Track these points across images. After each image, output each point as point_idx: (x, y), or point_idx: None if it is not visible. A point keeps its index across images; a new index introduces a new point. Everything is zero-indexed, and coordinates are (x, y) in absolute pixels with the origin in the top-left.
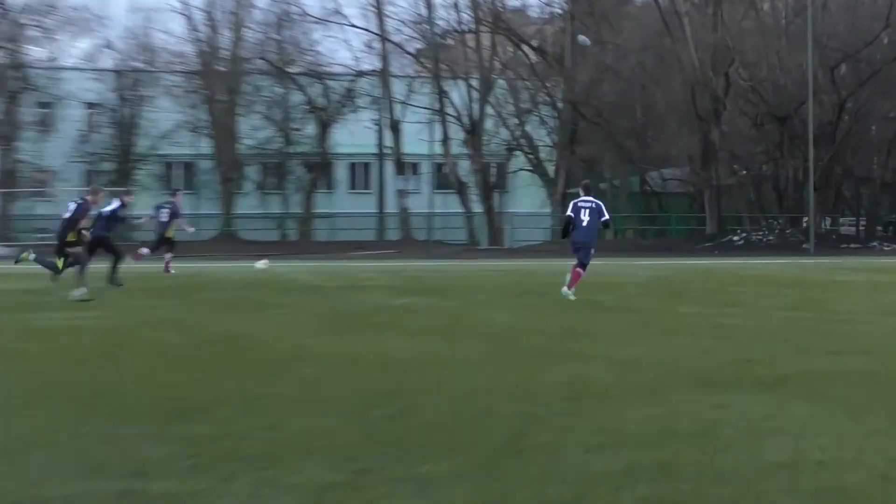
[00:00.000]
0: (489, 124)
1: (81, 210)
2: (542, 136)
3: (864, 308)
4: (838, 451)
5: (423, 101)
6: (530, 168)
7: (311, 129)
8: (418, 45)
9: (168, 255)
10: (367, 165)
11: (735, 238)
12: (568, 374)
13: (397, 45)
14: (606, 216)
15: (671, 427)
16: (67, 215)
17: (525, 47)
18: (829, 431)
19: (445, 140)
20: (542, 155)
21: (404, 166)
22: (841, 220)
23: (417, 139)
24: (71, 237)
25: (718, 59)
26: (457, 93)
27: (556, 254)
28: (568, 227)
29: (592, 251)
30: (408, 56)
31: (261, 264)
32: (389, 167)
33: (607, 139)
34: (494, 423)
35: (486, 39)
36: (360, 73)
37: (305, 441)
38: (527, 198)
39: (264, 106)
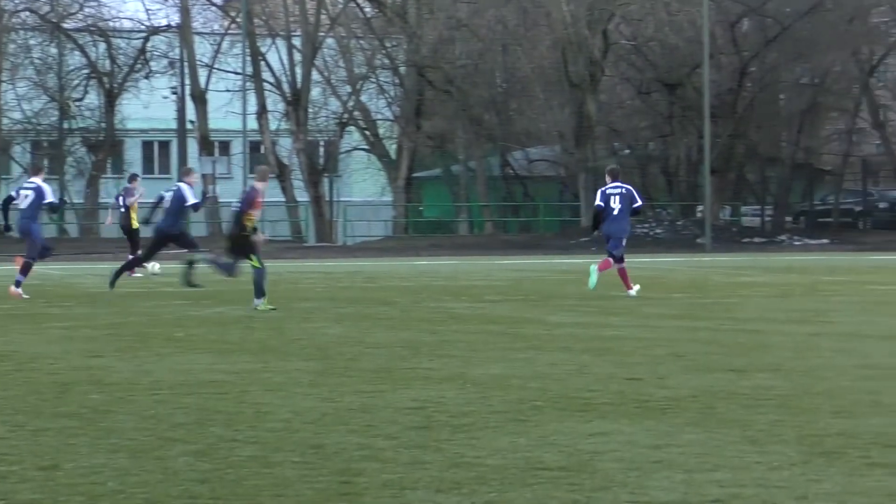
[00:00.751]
0: (316, 93)
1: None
2: (381, 109)
3: (771, 316)
4: (738, 488)
5: (234, 65)
6: (367, 147)
7: (93, 99)
8: None
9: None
10: (165, 144)
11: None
12: (415, 397)
13: None
14: (639, 202)
15: (540, 460)
16: (237, 205)
17: None
18: (729, 463)
19: (262, 113)
20: (382, 131)
21: (211, 145)
22: (743, 209)
23: (227, 112)
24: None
25: (595, 14)
26: (275, 55)
27: (400, 252)
28: (598, 217)
29: (624, 242)
30: (214, 8)
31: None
32: (193, 146)
33: (460, 112)
34: (325, 459)
35: None
36: (155, 30)
37: (90, 484)
38: (363, 183)
39: (34, 70)
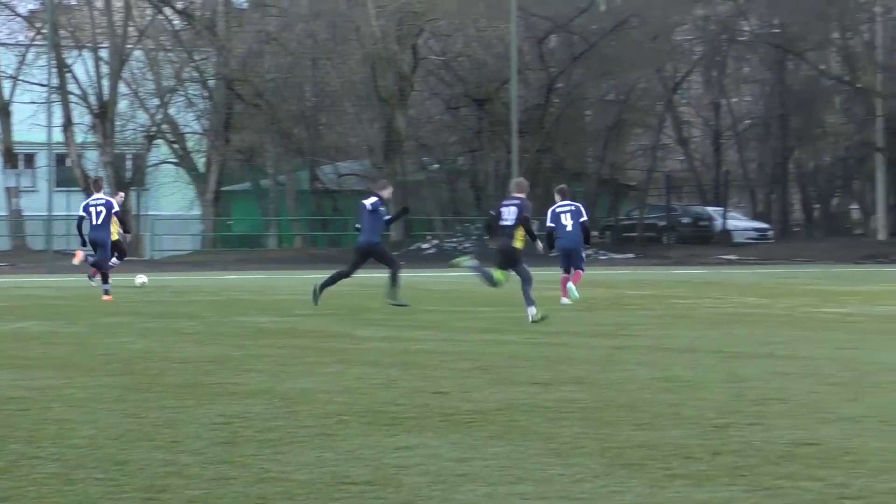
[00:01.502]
0: (123, 106)
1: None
2: (189, 122)
3: (576, 329)
4: (541, 500)
5: (40, 77)
6: (175, 160)
7: None
8: (32, 6)
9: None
10: None
11: (425, 246)
12: (221, 412)
13: (4, 4)
14: (585, 217)
15: (346, 475)
16: (510, 218)
17: (167, 10)
18: (532, 476)
19: (68, 125)
20: (191, 144)
21: (15, 158)
22: None
23: (32, 124)
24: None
25: (404, 29)
26: (82, 66)
27: (208, 266)
28: (551, 237)
29: (584, 254)
30: (18, 19)
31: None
32: None
33: (270, 126)
34: (129, 476)
35: None
36: None
37: None
38: (172, 197)
39: None
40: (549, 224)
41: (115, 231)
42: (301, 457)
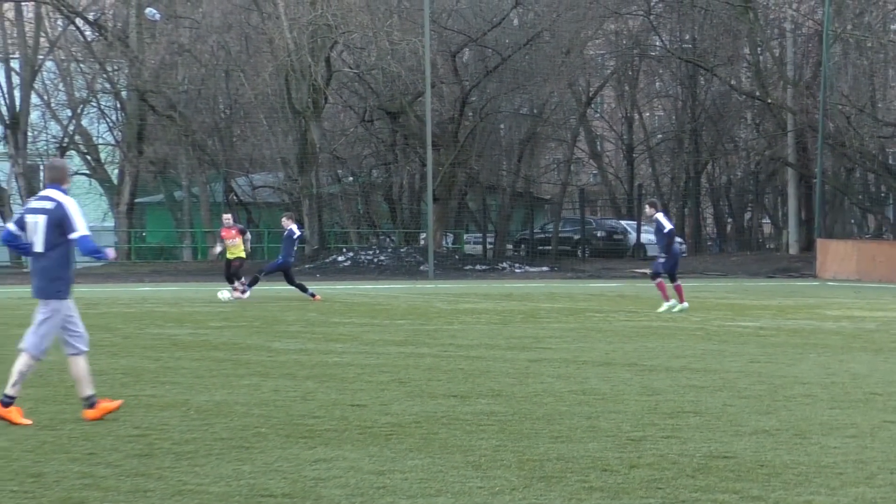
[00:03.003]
0: (35, 117)
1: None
2: (102, 133)
3: (492, 342)
4: None
5: None
6: (88, 172)
7: None
8: None
9: None
10: None
11: (340, 258)
12: (137, 424)
13: None
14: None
15: (264, 487)
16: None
17: (79, 21)
18: (451, 488)
19: None
20: (104, 156)
21: None
22: (465, 236)
23: None
24: None
25: (318, 42)
26: None
27: (122, 278)
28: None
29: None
30: None
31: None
32: None
33: (183, 137)
34: (45, 488)
35: (29, 9)
36: None
37: None
38: (85, 208)
39: None
40: (671, 227)
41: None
42: (218, 469)
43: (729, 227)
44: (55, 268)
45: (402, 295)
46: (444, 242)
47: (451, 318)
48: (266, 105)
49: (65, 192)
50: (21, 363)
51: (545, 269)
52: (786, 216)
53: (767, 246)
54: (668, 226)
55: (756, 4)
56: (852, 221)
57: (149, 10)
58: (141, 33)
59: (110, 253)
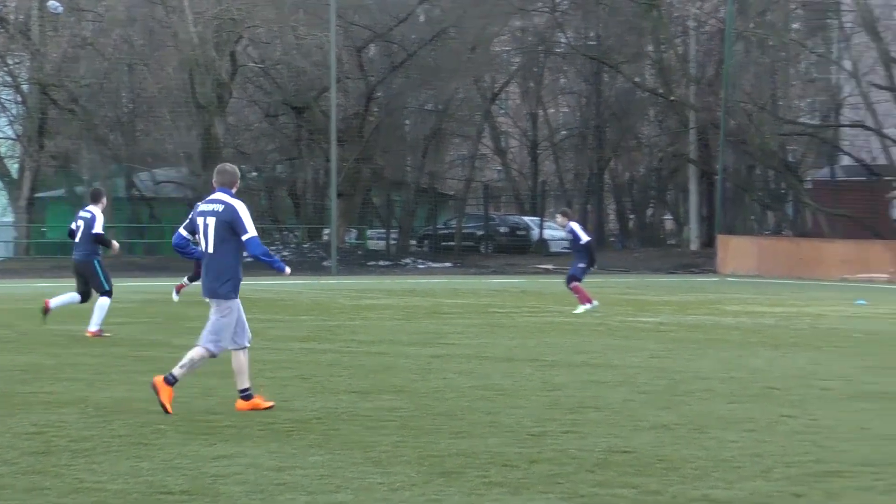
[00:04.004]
0: None
1: None
2: (2, 127)
3: (395, 338)
4: None
5: None
6: None
7: None
8: None
9: None
10: None
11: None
12: (34, 421)
13: None
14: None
15: (163, 484)
16: None
17: None
18: (351, 484)
19: None
20: (3, 150)
21: None
22: (369, 232)
23: None
24: None
25: (223, 36)
26: None
27: (21, 274)
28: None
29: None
30: None
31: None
32: None
33: (85, 132)
34: None
35: None
36: None
37: None
38: None
39: None
40: (588, 239)
41: None
42: (116, 466)
43: (631, 224)
44: (225, 269)
45: (305, 291)
46: (347, 238)
47: (353, 314)
48: (170, 99)
49: (233, 195)
50: (195, 352)
51: (448, 265)
52: (687, 212)
53: (669, 242)
54: (584, 237)
55: (660, 2)
56: (752, 218)
57: (51, 3)
58: (43, 26)
59: (286, 269)
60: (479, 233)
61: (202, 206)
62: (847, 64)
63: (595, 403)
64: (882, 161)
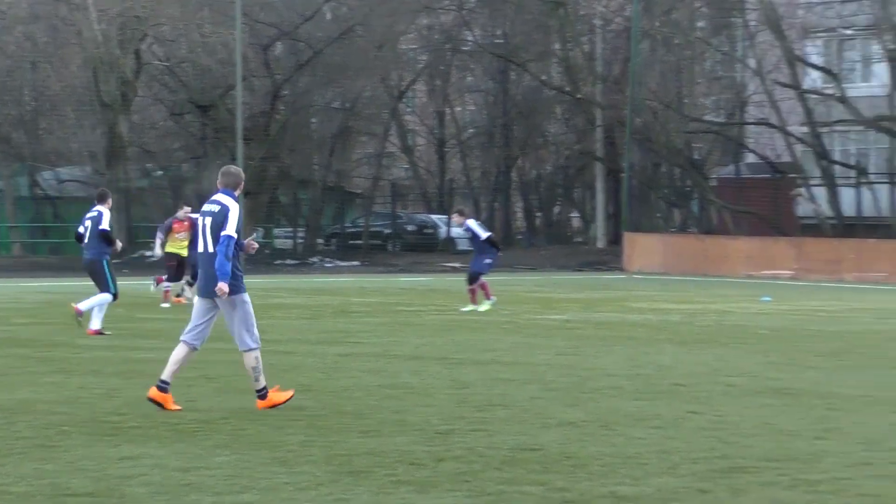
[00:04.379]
0: None
1: None
2: None
3: (303, 337)
4: None
5: None
6: None
7: None
8: None
9: None
10: None
11: (148, 253)
12: None
13: None
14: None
15: (67, 486)
16: None
17: None
18: (258, 484)
19: None
20: None
21: None
22: (276, 231)
23: None
24: None
25: (127, 34)
26: None
27: None
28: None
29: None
30: None
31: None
32: None
33: None
34: None
35: None
36: None
37: None
38: None
39: None
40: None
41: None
42: (20, 469)
43: (538, 222)
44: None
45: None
46: (254, 237)
47: (260, 313)
48: (74, 98)
49: (234, 197)
50: (248, 360)
51: (356, 263)
52: (594, 210)
53: (576, 240)
54: (483, 234)
55: (566, 1)
56: (658, 215)
57: None
58: None
59: (224, 288)
60: (387, 231)
61: (204, 206)
62: (751, 62)
63: (503, 401)
64: (786, 158)
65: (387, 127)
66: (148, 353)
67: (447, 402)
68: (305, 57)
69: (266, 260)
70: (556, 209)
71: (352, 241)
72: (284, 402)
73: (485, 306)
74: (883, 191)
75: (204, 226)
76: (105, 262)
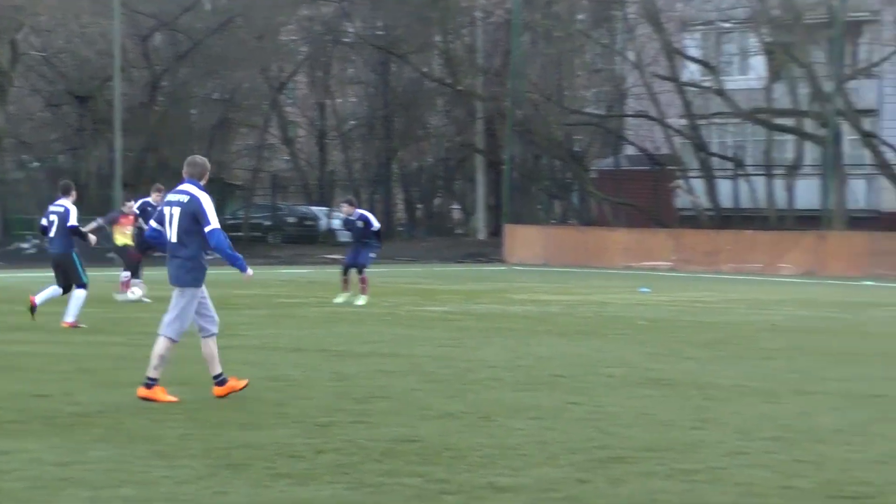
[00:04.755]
0: None
1: None
2: None
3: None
4: (145, 502)
5: None
6: None
7: None
8: None
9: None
10: None
11: (25, 245)
12: None
13: None
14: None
15: None
16: None
17: None
18: (135, 478)
19: None
20: None
21: None
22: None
23: None
24: None
25: (3, 24)
26: None
27: None
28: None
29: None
30: None
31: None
32: None
33: None
34: None
35: None
36: None
37: None
38: None
39: None
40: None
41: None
42: None
43: (419, 213)
44: (190, 257)
45: (97, 282)
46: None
47: (140, 307)
48: None
49: (201, 187)
50: (159, 346)
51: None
52: (474, 202)
53: (457, 231)
54: (376, 223)
55: None
56: (539, 207)
57: None
58: None
59: (249, 271)
60: (267, 223)
61: (169, 196)
62: (631, 55)
63: (383, 393)
64: (665, 151)
65: (267, 118)
66: (25, 347)
67: (327, 395)
68: (185, 48)
69: (147, 252)
70: (437, 201)
71: (232, 234)
72: (164, 401)
73: (362, 301)
74: (759, 183)
75: (172, 216)
76: (74, 255)
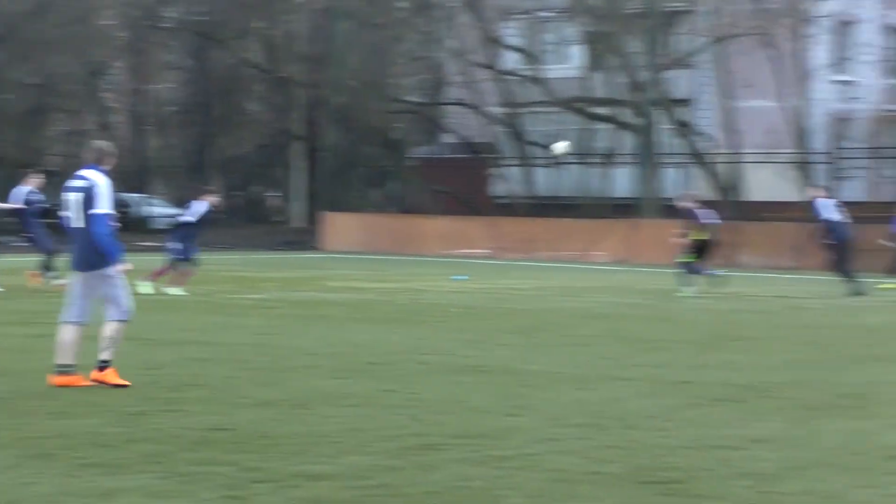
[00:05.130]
0: None
1: None
2: None
3: None
4: None
5: None
6: None
7: None
8: None
9: None
10: None
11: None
12: None
13: None
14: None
15: None
16: None
17: None
18: None
19: None
20: None
21: None
22: None
23: None
24: None
25: None
26: None
27: None
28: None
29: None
30: None
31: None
32: None
33: None
34: None
35: None
36: None
37: None
38: None
39: None
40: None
41: None
42: None
43: (237, 200)
44: (95, 241)
45: None
46: None
47: None
48: None
49: (104, 172)
50: (108, 329)
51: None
52: (293, 189)
53: (275, 219)
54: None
55: None
56: (357, 194)
57: None
58: None
59: (120, 267)
60: None
61: (71, 182)
62: (451, 43)
63: (197, 381)
64: (484, 139)
65: (84, 104)
66: None
67: (139, 383)
68: (2, 32)
69: None
70: (256, 188)
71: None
72: (116, 385)
73: (149, 288)
74: (574, 171)
75: (71, 201)
76: None
